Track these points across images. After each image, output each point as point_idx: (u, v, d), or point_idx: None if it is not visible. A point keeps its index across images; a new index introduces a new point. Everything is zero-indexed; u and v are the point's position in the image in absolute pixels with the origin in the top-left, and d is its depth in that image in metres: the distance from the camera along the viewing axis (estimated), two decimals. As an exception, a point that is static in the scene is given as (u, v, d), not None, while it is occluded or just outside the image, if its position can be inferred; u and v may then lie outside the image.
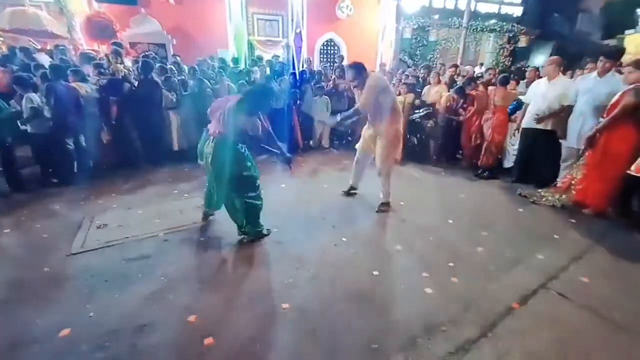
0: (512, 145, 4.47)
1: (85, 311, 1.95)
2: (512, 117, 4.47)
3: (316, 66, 8.60)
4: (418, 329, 1.85)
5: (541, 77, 4.14)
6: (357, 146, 3.69)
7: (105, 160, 4.59)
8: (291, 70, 6.24)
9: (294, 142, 5.88)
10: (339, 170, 4.91)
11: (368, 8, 10.90)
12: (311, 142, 6.15)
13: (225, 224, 3.04)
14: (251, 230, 2.74)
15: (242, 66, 7.88)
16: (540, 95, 3.82)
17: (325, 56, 10.90)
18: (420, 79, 6.01)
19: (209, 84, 5.17)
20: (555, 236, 2.93)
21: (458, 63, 8.66)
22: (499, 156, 4.65)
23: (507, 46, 12.08)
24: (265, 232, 2.83)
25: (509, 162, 4.59)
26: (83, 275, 2.28)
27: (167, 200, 3.63)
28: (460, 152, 5.32)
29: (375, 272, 2.37)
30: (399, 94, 5.43)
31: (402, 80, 5.89)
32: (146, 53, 6.39)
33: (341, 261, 2.52)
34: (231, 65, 6.76)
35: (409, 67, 10.13)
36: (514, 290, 2.18)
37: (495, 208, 3.59)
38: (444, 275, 2.35)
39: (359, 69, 3.15)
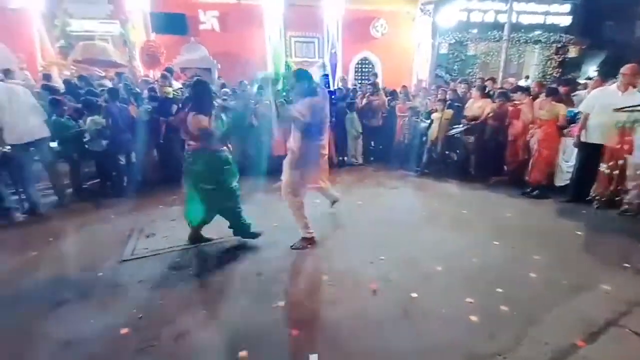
0: (566, 162, 4.11)
1: (134, 314, 2.07)
2: (565, 131, 4.14)
3: (350, 84, 8.73)
4: (462, 359, 1.70)
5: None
6: None
7: (154, 175, 4.96)
8: (327, 89, 6.37)
9: (329, 158, 5.94)
10: (373, 186, 4.84)
11: (403, 26, 10.96)
12: (345, 159, 6.16)
13: (267, 237, 3.09)
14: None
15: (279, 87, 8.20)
16: (610, 107, 3.46)
17: (360, 74, 11.04)
18: (459, 94, 5.83)
19: (250, 103, 5.45)
20: (626, 265, 2.59)
21: (499, 77, 8.33)
22: (550, 173, 4.29)
23: (555, 57, 11.38)
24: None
25: (561, 180, 4.22)
26: (132, 281, 2.43)
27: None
28: (505, 168, 5.01)
29: (414, 294, 2.25)
30: (435, 110, 5.31)
31: (439, 96, 5.76)
32: (195, 77, 6.93)
33: (377, 280, 2.42)
34: (270, 86, 7.07)
35: (446, 82, 9.91)
36: (578, 325, 1.93)
37: (549, 230, 3.28)
38: (491, 302, 2.16)
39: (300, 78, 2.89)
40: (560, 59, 11.42)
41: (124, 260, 2.74)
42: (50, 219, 3.65)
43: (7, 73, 4.67)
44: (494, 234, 3.15)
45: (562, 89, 4.47)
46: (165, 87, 5.63)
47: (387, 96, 6.45)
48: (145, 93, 5.24)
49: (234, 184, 2.82)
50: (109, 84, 6.07)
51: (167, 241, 3.06)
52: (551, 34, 11.24)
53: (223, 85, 6.59)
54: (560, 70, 11.33)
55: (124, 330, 1.93)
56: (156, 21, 8.84)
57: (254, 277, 2.49)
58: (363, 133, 6.05)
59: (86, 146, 4.25)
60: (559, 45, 11.31)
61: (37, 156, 3.86)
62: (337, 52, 10.03)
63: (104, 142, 4.26)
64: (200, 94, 2.66)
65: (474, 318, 2.01)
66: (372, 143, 6.53)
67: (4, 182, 3.69)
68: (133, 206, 4.01)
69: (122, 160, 4.40)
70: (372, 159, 6.43)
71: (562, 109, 4.09)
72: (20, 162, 3.69)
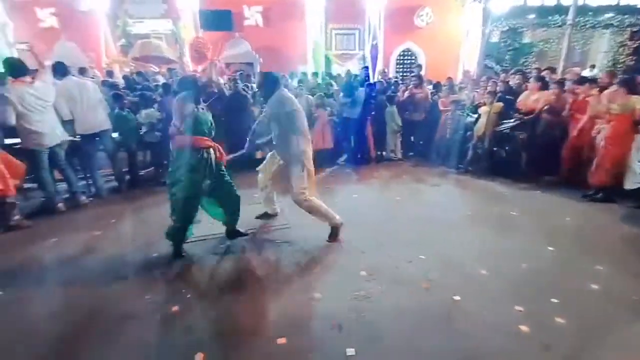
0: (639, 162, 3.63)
1: (184, 294, 2.23)
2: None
3: (391, 76, 8.48)
4: (511, 371, 1.60)
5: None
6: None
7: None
8: (367, 82, 6.26)
9: (366, 153, 5.85)
10: (412, 182, 4.69)
11: (450, 14, 10.35)
12: (383, 153, 6.02)
13: (305, 230, 3.14)
14: None
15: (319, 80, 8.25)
16: None
17: (401, 66, 10.67)
18: (512, 86, 5.39)
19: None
20: None
21: (560, 66, 7.55)
22: (619, 174, 3.81)
23: (629, 43, 10.03)
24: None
25: (632, 183, 3.73)
26: (182, 262, 2.62)
27: (250, 202, 3.93)
28: (562, 167, 4.57)
29: (457, 297, 2.15)
30: (483, 104, 4.98)
31: (488, 88, 5.38)
32: (239, 71, 7.20)
33: (416, 279, 2.36)
34: (310, 79, 7.14)
35: (496, 73, 9.22)
36: (649, 345, 1.72)
37: (615, 238, 2.93)
38: (545, 312, 1.99)
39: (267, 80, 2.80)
40: (635, 45, 10.04)
41: (175, 244, 2.95)
42: (112, 202, 4.04)
43: (83, 71, 5.21)
44: (547, 238, 2.90)
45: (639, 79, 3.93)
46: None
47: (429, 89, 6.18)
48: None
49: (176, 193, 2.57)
50: (162, 79, 6.53)
51: (213, 228, 3.23)
52: (626, 16, 9.90)
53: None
54: (635, 58, 9.97)
55: (174, 308, 2.09)
56: (204, 18, 9.28)
57: (293, 267, 2.54)
58: (403, 127, 5.85)
59: (142, 137, 4.63)
60: (635, 30, 9.94)
61: (101, 146, 4.28)
62: (378, 43, 9.78)
63: (158, 134, 4.59)
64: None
65: (524, 327, 1.87)
66: (412, 138, 6.30)
67: (73, 169, 4.15)
68: (181, 194, 4.28)
69: (173, 150, 4.72)
70: (411, 154, 6.21)
71: (638, 102, 3.60)
72: (87, 151, 4.12)
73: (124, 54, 8.75)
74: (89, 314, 2.08)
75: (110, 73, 6.89)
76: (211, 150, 2.62)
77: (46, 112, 3.50)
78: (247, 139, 3.07)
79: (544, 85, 4.67)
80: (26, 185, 4.09)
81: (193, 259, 2.68)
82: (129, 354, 1.77)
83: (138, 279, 2.44)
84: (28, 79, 3.41)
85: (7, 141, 3.85)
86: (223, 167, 2.81)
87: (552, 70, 6.24)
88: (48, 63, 3.76)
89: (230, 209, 2.88)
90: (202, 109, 2.61)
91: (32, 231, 3.24)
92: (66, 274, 2.54)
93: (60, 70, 3.94)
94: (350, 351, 1.73)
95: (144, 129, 4.53)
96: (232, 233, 2.97)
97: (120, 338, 1.88)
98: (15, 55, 7.19)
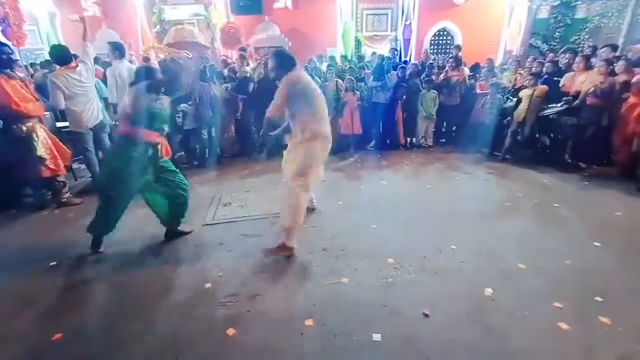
0: None
1: (215, 272, 2.34)
2: None
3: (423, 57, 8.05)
4: (548, 369, 1.53)
5: None
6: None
7: (231, 149, 5.40)
8: (398, 64, 6.01)
9: (396, 139, 5.68)
10: (444, 170, 4.51)
11: (493, -12, 9.54)
12: (413, 140, 5.82)
13: (332, 214, 3.14)
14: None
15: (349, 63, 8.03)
16: None
17: (436, 47, 10.09)
18: (561, 67, 4.92)
19: (319, 80, 5.44)
20: None
21: (620, 43, 6.77)
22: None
23: None
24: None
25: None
26: (213, 243, 2.73)
27: (277, 187, 3.99)
28: (614, 157, 4.16)
29: (489, 290, 2.06)
30: (524, 87, 4.60)
31: (533, 69, 4.96)
32: (267, 55, 7.17)
33: (447, 270, 2.29)
34: (340, 63, 6.97)
35: (541, 53, 8.46)
36: None
37: (675, 235, 2.65)
38: (587, 310, 1.86)
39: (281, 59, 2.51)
40: None
41: (206, 225, 3.08)
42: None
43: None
44: (595, 234, 2.68)
45: None
46: (244, 67, 5.96)
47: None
48: (226, 72, 5.63)
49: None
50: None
51: (241, 210, 3.34)
52: None
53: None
54: None
55: (207, 285, 2.19)
56: (235, 3, 9.28)
57: (319, 251, 2.57)
58: (435, 112, 5.57)
59: (178, 123, 4.80)
60: None
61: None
62: (412, 23, 9.29)
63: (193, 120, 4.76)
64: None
65: (564, 326, 1.76)
66: (444, 123, 6.01)
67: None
68: (213, 177, 4.45)
69: (205, 134, 4.87)
70: (443, 140, 5.96)
71: None
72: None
73: (159, 41, 9.01)
74: (133, 288, 2.23)
75: (146, 59, 7.13)
76: (158, 146, 2.53)
77: (86, 94, 3.64)
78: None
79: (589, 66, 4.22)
80: (75, 166, 4.43)
81: (224, 241, 2.78)
82: (164, 326, 1.88)
83: (173, 256, 2.58)
84: (73, 64, 3.60)
85: (57, 124, 4.17)
86: (172, 166, 2.75)
87: (614, 47, 5.38)
88: (92, 51, 3.91)
89: (173, 210, 2.77)
90: (162, 103, 2.50)
91: (81, 208, 3.51)
92: (109, 249, 2.72)
93: (120, 51, 4.12)
94: (377, 337, 1.73)
95: (180, 115, 4.70)
96: (172, 234, 2.84)
97: (155, 309, 2.01)
98: (63, 41, 7.66)
